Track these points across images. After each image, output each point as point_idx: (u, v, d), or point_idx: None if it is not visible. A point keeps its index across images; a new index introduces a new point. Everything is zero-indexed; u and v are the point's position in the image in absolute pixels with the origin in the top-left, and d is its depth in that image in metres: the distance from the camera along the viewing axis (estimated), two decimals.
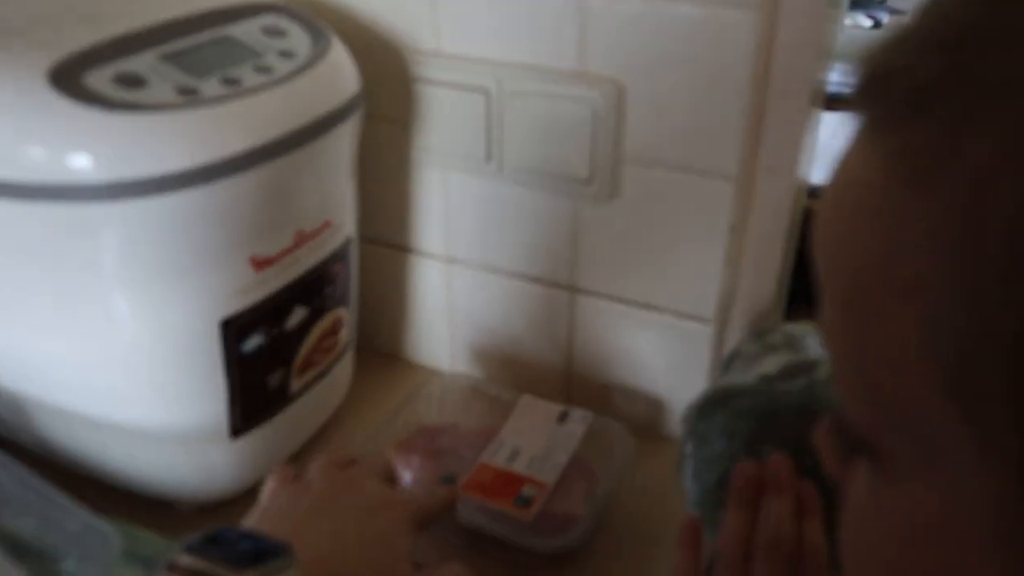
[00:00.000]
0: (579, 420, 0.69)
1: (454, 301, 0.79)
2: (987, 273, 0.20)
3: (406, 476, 0.65)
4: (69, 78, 0.51)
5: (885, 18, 2.77)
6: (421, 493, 0.57)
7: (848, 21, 2.75)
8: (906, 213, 0.21)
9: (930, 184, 0.21)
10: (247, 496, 0.66)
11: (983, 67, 0.20)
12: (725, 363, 0.66)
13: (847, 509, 0.28)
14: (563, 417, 0.69)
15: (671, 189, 0.65)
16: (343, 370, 0.73)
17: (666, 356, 0.72)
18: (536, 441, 0.67)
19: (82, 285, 0.55)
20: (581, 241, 0.70)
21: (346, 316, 0.70)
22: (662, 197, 0.65)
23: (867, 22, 2.75)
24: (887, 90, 0.23)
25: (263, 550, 0.43)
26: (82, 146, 0.50)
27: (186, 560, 0.42)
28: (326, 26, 0.65)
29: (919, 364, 0.21)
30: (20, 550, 0.56)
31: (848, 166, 0.24)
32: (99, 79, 0.52)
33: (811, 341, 0.61)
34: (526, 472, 0.64)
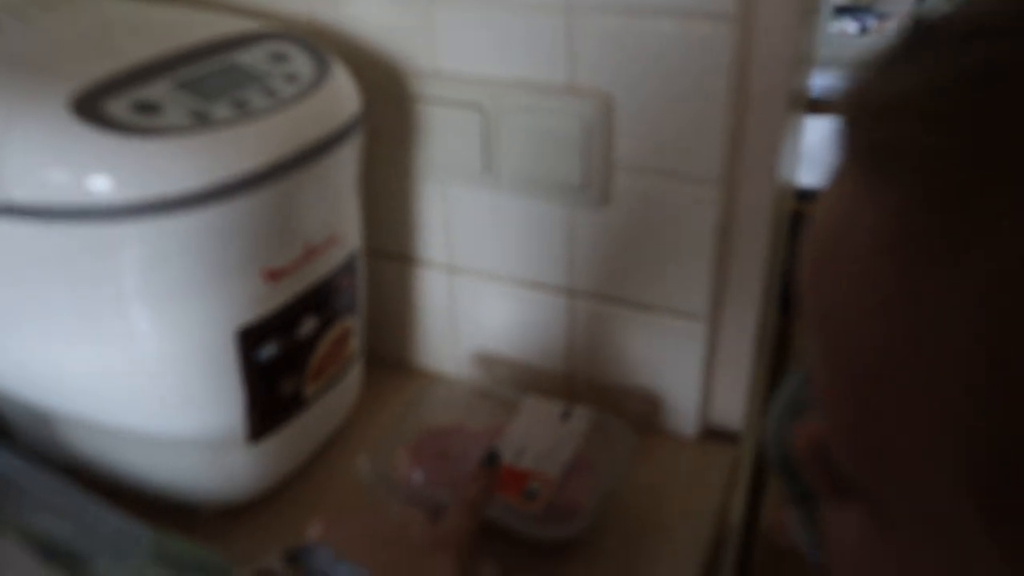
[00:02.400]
0: (581, 417, 0.72)
1: (457, 308, 0.83)
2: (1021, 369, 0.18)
3: (416, 477, 0.68)
4: (89, 106, 0.54)
5: (872, 23, 2.81)
6: (461, 518, 0.56)
7: (835, 27, 2.80)
8: (926, 292, 0.19)
9: (961, 263, 0.18)
10: (266, 500, 0.70)
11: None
12: None
13: (836, 542, 0.26)
14: (566, 415, 0.72)
15: (660, 194, 0.68)
16: (353, 377, 0.77)
17: (661, 354, 0.75)
18: (541, 439, 0.70)
19: (103, 301, 0.58)
20: (576, 246, 0.73)
21: (355, 325, 0.73)
22: (651, 202, 0.69)
23: (853, 27, 2.79)
24: (904, 149, 0.20)
25: None
26: (102, 170, 0.53)
27: (282, 570, 0.44)
28: (327, 50, 0.68)
29: (930, 449, 0.20)
30: (54, 553, 0.59)
31: (844, 211, 0.22)
32: (118, 106, 0.55)
33: None
34: (532, 468, 0.67)
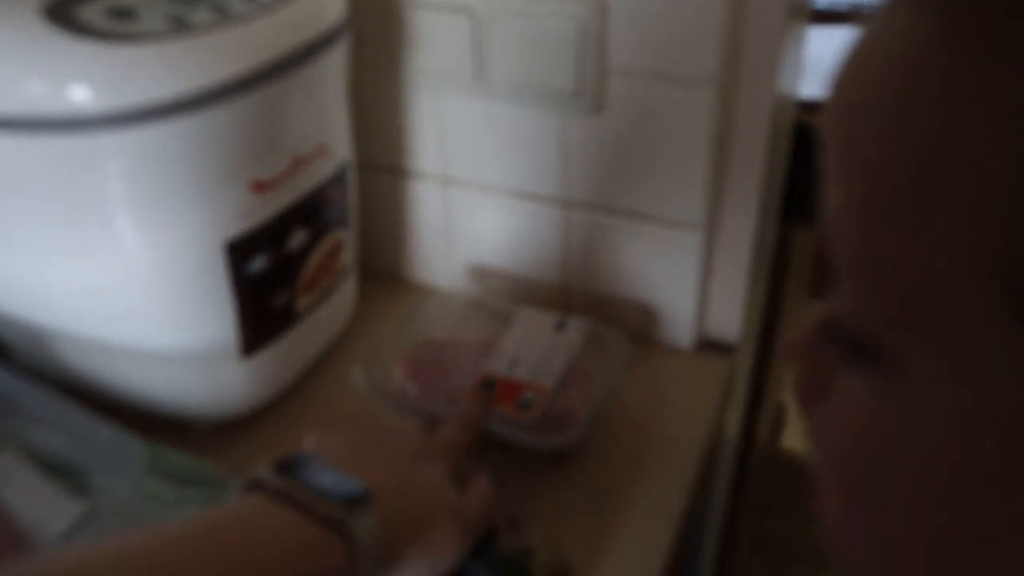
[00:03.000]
0: (576, 328, 0.71)
1: (452, 221, 0.81)
2: None
3: (411, 388, 0.68)
4: (63, 13, 0.52)
5: None
6: (456, 432, 0.57)
7: None
8: (967, 87, 0.18)
9: (1002, 52, 0.18)
10: (262, 414, 0.70)
11: None
12: None
13: (840, 420, 0.25)
14: (560, 326, 0.72)
15: (656, 100, 0.66)
16: (347, 291, 0.76)
17: (657, 264, 0.74)
18: (535, 349, 0.70)
19: (89, 214, 0.57)
20: (571, 155, 0.72)
21: (346, 238, 0.72)
22: (647, 108, 0.67)
23: None
24: None
25: (348, 488, 0.44)
26: (79, 78, 0.51)
27: (273, 481, 0.44)
28: None
29: (966, 258, 0.19)
30: (52, 467, 0.59)
31: (881, 32, 0.21)
32: (92, 12, 0.53)
33: None
34: (527, 378, 0.67)
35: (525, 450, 0.63)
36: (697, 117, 0.66)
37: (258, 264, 0.62)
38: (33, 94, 0.52)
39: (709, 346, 0.79)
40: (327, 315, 0.73)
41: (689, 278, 0.74)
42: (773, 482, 1.49)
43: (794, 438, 1.62)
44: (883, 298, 0.21)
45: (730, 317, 0.77)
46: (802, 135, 0.85)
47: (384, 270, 0.88)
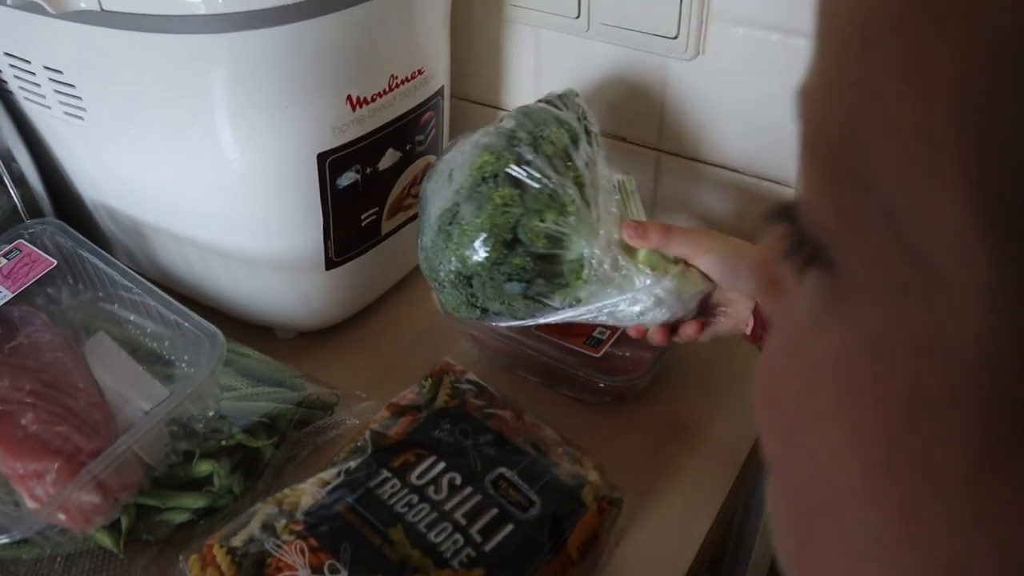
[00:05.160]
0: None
1: None
2: None
3: None
4: None
5: None
6: None
7: None
8: None
9: None
10: (339, 327, 0.72)
11: None
12: None
13: (775, 338, 0.21)
14: None
15: (757, 47, 0.65)
16: None
17: (747, 219, 0.73)
18: None
19: (193, 115, 0.59)
20: (667, 100, 0.71)
21: None
22: (748, 56, 0.65)
23: None
24: None
25: None
26: None
27: None
28: None
29: (934, 149, 0.15)
30: (142, 352, 0.62)
31: None
32: None
33: None
34: None
35: (591, 385, 0.64)
36: (800, 66, 0.64)
37: (348, 178, 0.64)
38: None
39: None
40: (411, 240, 0.74)
41: None
42: None
43: None
44: (834, 195, 0.18)
45: None
46: None
47: None
